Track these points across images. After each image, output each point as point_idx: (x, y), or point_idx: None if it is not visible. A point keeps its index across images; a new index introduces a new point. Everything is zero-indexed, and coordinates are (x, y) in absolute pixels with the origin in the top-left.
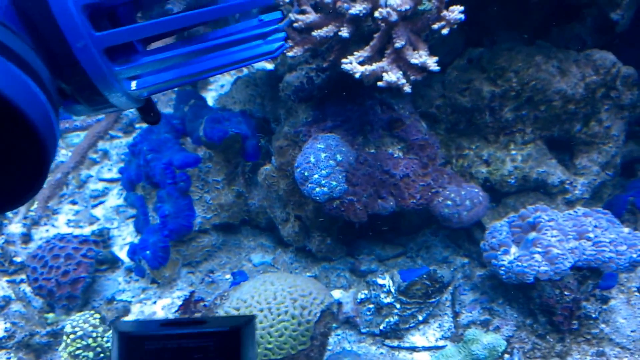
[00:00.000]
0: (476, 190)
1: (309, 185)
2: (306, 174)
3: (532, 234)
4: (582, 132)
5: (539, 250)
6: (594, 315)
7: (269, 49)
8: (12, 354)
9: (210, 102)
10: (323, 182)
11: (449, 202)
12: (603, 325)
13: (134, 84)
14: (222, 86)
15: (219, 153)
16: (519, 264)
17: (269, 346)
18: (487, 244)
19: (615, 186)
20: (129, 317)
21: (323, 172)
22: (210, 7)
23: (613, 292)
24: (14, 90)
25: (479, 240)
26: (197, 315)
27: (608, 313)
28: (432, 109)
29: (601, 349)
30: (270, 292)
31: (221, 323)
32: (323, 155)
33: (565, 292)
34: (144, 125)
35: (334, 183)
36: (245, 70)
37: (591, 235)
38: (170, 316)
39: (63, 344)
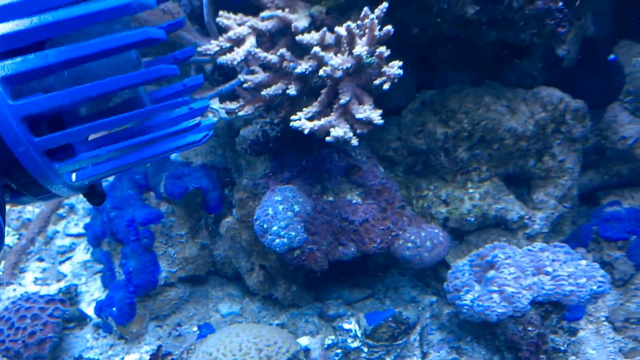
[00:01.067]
0: (436, 230)
1: (269, 237)
2: (265, 226)
3: (491, 273)
4: (536, 167)
5: (496, 289)
6: (562, 348)
7: (194, 139)
8: None
9: (174, 155)
10: (282, 233)
11: (409, 245)
12: (573, 358)
13: (74, 176)
14: None
15: (181, 207)
16: (480, 303)
17: None
18: (450, 284)
19: (576, 217)
20: None
21: (281, 223)
22: (130, 77)
23: (582, 323)
24: None
25: (445, 278)
26: None
27: (577, 345)
28: (389, 152)
29: None
30: (235, 343)
31: None
32: (281, 207)
33: (529, 328)
34: (110, 178)
35: (293, 233)
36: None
37: (549, 269)
38: None
39: None
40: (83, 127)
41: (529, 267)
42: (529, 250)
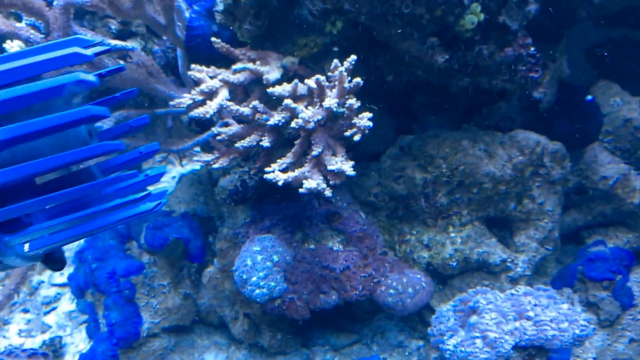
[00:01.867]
0: (418, 276)
1: (249, 287)
2: (244, 277)
3: (473, 318)
4: (517, 211)
5: (478, 334)
6: None
7: (146, 208)
8: None
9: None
10: (262, 283)
11: (391, 291)
12: None
13: (27, 247)
14: (173, 178)
15: (162, 258)
16: (462, 349)
17: None
18: (435, 329)
19: (561, 257)
20: None
21: (260, 274)
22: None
23: None
24: None
25: (430, 322)
26: None
27: None
28: (370, 198)
29: None
30: None
31: None
32: (259, 257)
33: None
34: None
35: (273, 284)
36: (189, 168)
37: (531, 314)
38: None
39: None
40: (28, 202)
41: (510, 312)
42: (512, 294)
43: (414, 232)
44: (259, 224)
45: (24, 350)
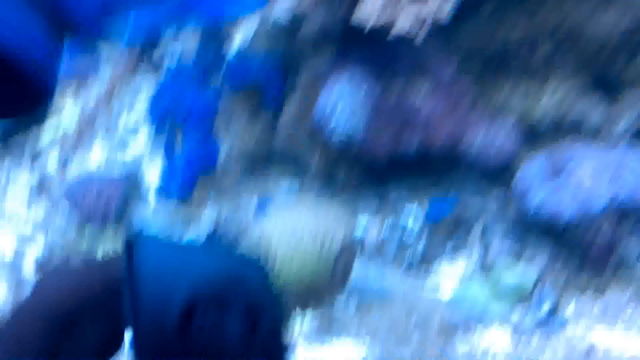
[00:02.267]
0: (507, 128)
1: (331, 122)
2: (328, 110)
3: (565, 171)
4: (625, 69)
5: (569, 188)
6: (634, 255)
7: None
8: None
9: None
10: (343, 123)
11: (476, 144)
12: None
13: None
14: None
15: (241, 96)
16: (549, 204)
17: (289, 280)
18: (519, 183)
19: None
20: None
21: (342, 113)
22: None
23: None
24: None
25: (512, 178)
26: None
27: None
28: (465, 46)
29: None
30: (289, 226)
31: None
32: (342, 96)
33: (601, 231)
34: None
35: (354, 124)
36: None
37: (627, 172)
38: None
39: None
40: None
41: (605, 169)
42: (607, 151)
43: (509, 84)
44: (342, 66)
45: (104, 176)
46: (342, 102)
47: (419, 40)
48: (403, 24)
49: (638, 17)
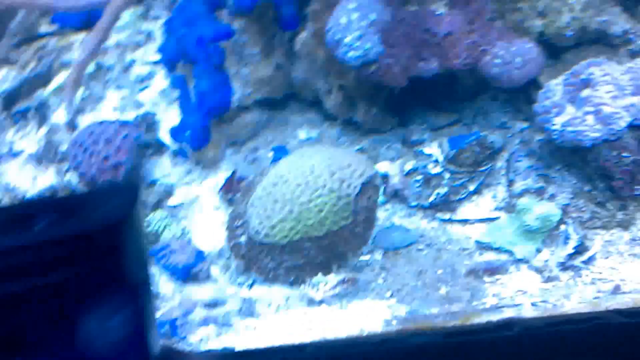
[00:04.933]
0: (528, 45)
1: (342, 49)
2: (337, 37)
3: (586, 91)
4: None
5: (591, 109)
6: None
7: None
8: None
9: None
10: (356, 44)
11: (497, 61)
12: None
13: None
14: None
15: (253, 23)
16: (571, 128)
17: (309, 222)
18: (540, 105)
19: None
20: (172, 200)
21: (355, 33)
22: None
23: None
24: None
25: (534, 98)
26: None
27: None
28: None
29: None
30: (307, 165)
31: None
32: (355, 15)
33: (624, 154)
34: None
35: (368, 45)
36: None
37: None
38: (215, 197)
39: None
40: None
41: (628, 86)
42: (630, 68)
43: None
44: None
45: (114, 122)
46: (356, 20)
47: None
48: None
49: None
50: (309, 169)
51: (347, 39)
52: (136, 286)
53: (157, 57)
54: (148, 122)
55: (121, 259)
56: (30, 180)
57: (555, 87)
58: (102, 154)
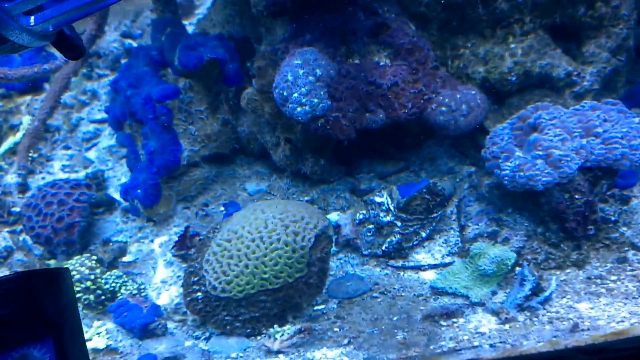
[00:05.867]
0: (473, 92)
1: (290, 105)
2: (285, 93)
3: (534, 135)
4: (587, 16)
5: (541, 153)
6: (613, 218)
7: None
8: None
9: (191, 28)
10: (304, 100)
11: (443, 109)
12: (624, 229)
13: (32, 19)
14: (207, 8)
15: (198, 81)
16: (521, 173)
17: (265, 276)
18: (488, 151)
19: (631, 74)
20: (126, 257)
21: (302, 89)
22: None
23: (635, 191)
24: None
25: (484, 145)
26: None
27: (629, 214)
28: (421, 8)
29: (622, 254)
30: (261, 220)
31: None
32: (301, 71)
33: (576, 196)
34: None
35: (316, 100)
36: None
37: (599, 130)
38: (168, 253)
39: None
40: None
41: (576, 129)
42: (577, 109)
43: (469, 45)
44: (300, 38)
45: (67, 181)
46: (302, 76)
47: None
48: None
49: None
50: (263, 223)
51: (295, 95)
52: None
53: (103, 115)
54: (98, 179)
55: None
56: None
57: (502, 132)
58: (56, 215)
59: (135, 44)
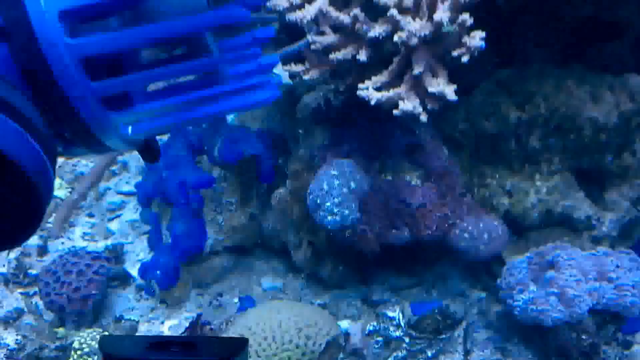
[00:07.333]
0: (495, 223)
1: (321, 213)
2: (318, 201)
3: (550, 273)
4: (613, 164)
5: (555, 290)
6: None
7: (261, 97)
8: None
9: (230, 117)
10: (335, 210)
11: (466, 235)
12: None
13: (130, 129)
14: None
15: (233, 174)
16: (534, 306)
17: None
18: (505, 281)
19: None
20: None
21: (336, 200)
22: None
23: (637, 337)
24: (8, 142)
25: (497, 274)
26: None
27: (630, 359)
28: (455, 134)
29: None
30: (275, 320)
31: (213, 348)
32: (336, 182)
33: (583, 336)
34: (165, 138)
35: (347, 212)
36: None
37: (613, 275)
38: None
39: None
40: (144, 73)
41: (591, 271)
42: (592, 254)
43: (496, 176)
44: (338, 148)
45: (89, 252)
46: (337, 187)
47: (423, 120)
48: (408, 102)
49: (626, 112)
50: (277, 323)
51: (328, 204)
52: None
53: (131, 188)
54: (117, 252)
55: None
56: None
57: (520, 264)
58: (73, 284)
59: None
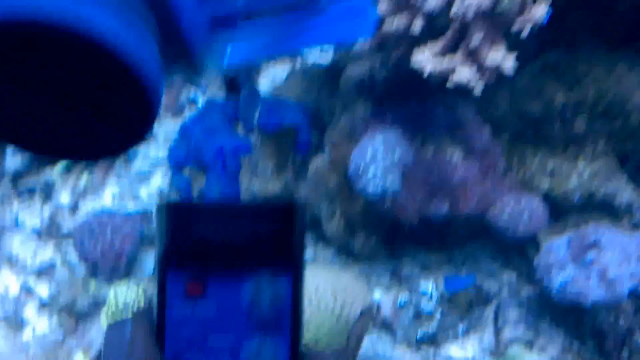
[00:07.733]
0: (536, 203)
1: (363, 180)
2: (361, 169)
3: (591, 253)
4: None
5: (596, 271)
6: None
7: (361, 33)
8: (54, 317)
9: (265, 89)
10: (378, 178)
11: (505, 214)
12: None
13: (228, 51)
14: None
15: (270, 142)
16: (574, 285)
17: (305, 337)
18: (542, 261)
19: None
20: None
21: (379, 168)
22: None
23: None
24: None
25: (530, 256)
26: None
27: None
28: (497, 114)
29: None
30: (312, 283)
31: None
32: (381, 149)
33: (620, 319)
34: (194, 110)
35: (390, 181)
36: (298, 64)
37: None
38: None
39: (104, 313)
40: None
41: (634, 253)
42: (635, 236)
43: (538, 158)
44: (381, 120)
45: (123, 213)
46: (377, 160)
47: (477, 92)
48: (462, 73)
49: None
50: (314, 286)
51: (371, 172)
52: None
53: (159, 154)
54: (147, 217)
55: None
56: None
57: (559, 244)
58: (107, 240)
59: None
